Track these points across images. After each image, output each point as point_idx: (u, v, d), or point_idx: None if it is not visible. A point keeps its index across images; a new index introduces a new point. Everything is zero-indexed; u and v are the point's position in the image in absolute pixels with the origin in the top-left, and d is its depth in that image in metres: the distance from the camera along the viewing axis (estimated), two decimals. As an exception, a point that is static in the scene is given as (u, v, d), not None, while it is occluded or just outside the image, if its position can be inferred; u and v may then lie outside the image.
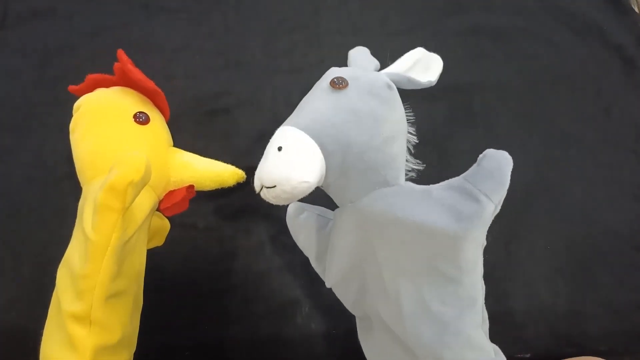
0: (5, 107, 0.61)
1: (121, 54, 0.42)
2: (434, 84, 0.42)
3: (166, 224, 0.47)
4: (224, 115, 0.62)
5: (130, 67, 0.42)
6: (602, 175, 0.62)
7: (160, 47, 0.65)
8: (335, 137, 0.34)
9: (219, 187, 0.48)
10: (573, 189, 0.61)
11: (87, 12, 0.67)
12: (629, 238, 0.59)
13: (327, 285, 0.42)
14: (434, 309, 0.34)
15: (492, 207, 0.33)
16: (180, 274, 0.54)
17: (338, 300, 0.54)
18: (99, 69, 0.45)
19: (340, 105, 0.36)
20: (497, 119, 0.64)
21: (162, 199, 0.44)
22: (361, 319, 0.42)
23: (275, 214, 0.57)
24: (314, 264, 0.45)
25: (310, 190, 0.34)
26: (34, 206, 0.56)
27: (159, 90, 0.44)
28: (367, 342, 0.41)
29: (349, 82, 0.37)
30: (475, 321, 0.35)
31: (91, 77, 0.44)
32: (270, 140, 0.35)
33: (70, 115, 0.43)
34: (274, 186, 0.33)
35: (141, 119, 0.42)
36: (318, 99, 0.37)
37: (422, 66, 0.42)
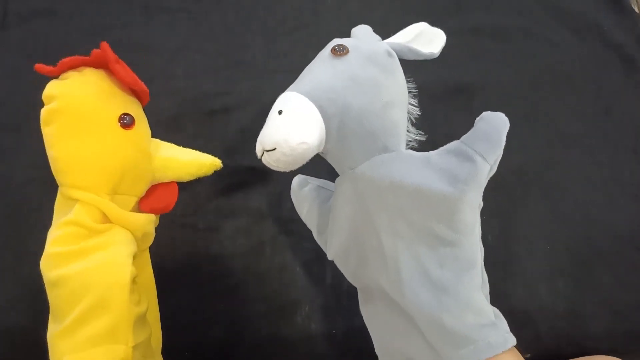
0: (5, 107, 0.61)
1: (105, 46, 0.40)
2: (435, 56, 0.42)
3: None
4: (224, 115, 0.62)
5: (117, 66, 0.40)
6: (602, 175, 0.62)
7: (160, 47, 0.65)
8: (334, 100, 0.35)
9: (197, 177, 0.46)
10: (573, 189, 0.61)
11: (87, 12, 0.67)
12: (629, 238, 0.59)
13: (329, 257, 0.42)
14: (432, 272, 0.34)
15: (487, 167, 0.33)
16: (180, 274, 0.54)
17: (338, 300, 0.54)
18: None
19: (340, 70, 0.36)
20: (497, 119, 0.64)
21: (149, 200, 0.43)
22: (362, 290, 0.41)
23: (275, 215, 0.57)
24: (316, 237, 0.45)
25: (310, 153, 0.35)
26: (34, 206, 0.56)
27: (145, 88, 0.42)
28: (368, 313, 0.41)
29: (349, 49, 0.37)
30: (475, 284, 0.34)
31: (65, 61, 0.41)
32: (272, 106, 0.36)
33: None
34: (274, 149, 0.34)
35: (126, 120, 0.39)
36: (319, 66, 0.38)
37: (425, 39, 0.43)
